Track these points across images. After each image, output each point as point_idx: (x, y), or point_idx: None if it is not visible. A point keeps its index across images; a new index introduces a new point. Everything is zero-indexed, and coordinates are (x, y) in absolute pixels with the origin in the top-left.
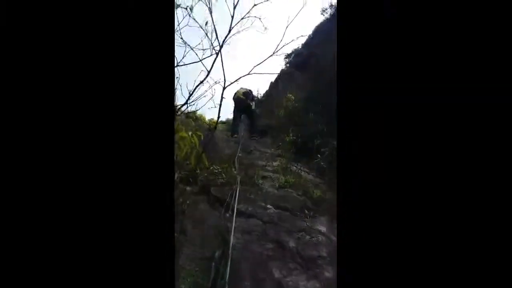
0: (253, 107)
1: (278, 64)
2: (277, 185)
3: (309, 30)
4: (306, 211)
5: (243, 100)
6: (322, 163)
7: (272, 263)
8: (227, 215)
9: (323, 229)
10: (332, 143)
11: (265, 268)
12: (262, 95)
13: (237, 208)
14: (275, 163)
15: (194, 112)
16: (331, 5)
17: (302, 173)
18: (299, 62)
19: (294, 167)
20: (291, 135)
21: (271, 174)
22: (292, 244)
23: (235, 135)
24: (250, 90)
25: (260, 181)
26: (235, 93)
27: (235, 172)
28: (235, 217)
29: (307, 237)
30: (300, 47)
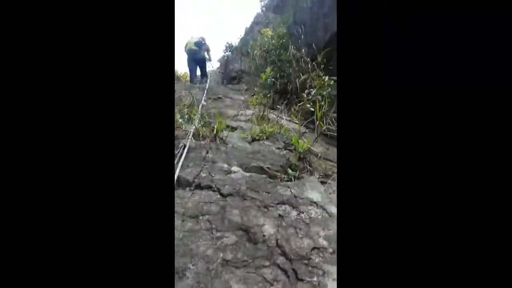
0: (208, 58)
1: (252, 9)
2: (249, 138)
3: None
4: (290, 171)
5: (195, 50)
6: (308, 106)
7: (232, 275)
8: None
9: (315, 196)
10: (322, 79)
11: (219, 284)
12: (236, 42)
13: (181, 178)
14: (248, 112)
15: None
16: None
17: (283, 121)
18: (275, 4)
19: (273, 115)
20: (268, 74)
21: (242, 124)
22: (269, 230)
23: (198, 83)
24: (202, 38)
25: (226, 134)
26: (186, 44)
27: (180, 120)
28: (177, 191)
29: (293, 213)
30: None
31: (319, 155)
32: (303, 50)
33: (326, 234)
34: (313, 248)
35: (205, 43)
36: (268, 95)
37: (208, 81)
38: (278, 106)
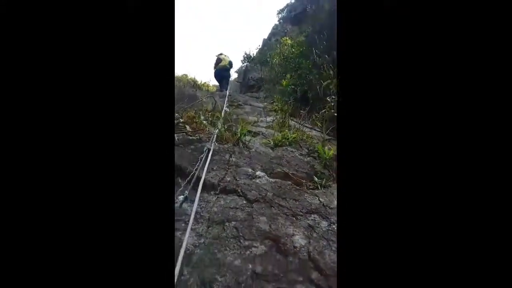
0: (231, 75)
1: (270, 20)
2: (272, 143)
3: None
4: (316, 178)
5: (227, 68)
6: (332, 112)
7: None
8: (184, 196)
9: None
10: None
11: None
12: (254, 52)
13: (206, 180)
14: (269, 118)
15: None
16: None
17: (305, 128)
18: (293, 16)
19: (293, 122)
20: (289, 79)
21: (263, 130)
22: (300, 241)
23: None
24: (222, 53)
25: (248, 138)
26: (221, 60)
27: (204, 122)
28: (201, 194)
29: (324, 223)
30: (293, 1)
31: None
32: (324, 56)
33: None
34: None
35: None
36: (289, 102)
37: (228, 90)
38: (301, 112)
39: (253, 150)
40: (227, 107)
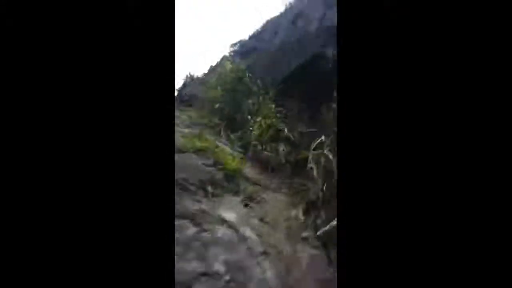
0: None
1: (220, 51)
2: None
3: (260, 24)
4: (209, 188)
5: None
6: (253, 133)
7: None
8: None
9: (230, 216)
10: (269, 107)
11: None
12: (199, 75)
13: None
14: (186, 130)
15: None
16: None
17: (223, 146)
18: (244, 50)
19: (213, 139)
20: (216, 93)
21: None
22: None
23: None
24: None
25: None
26: None
27: None
28: None
29: (191, 230)
30: (247, 38)
31: (250, 178)
32: (258, 82)
33: (227, 259)
34: (202, 274)
35: None
36: (214, 117)
37: None
38: (219, 126)
39: None
40: None
